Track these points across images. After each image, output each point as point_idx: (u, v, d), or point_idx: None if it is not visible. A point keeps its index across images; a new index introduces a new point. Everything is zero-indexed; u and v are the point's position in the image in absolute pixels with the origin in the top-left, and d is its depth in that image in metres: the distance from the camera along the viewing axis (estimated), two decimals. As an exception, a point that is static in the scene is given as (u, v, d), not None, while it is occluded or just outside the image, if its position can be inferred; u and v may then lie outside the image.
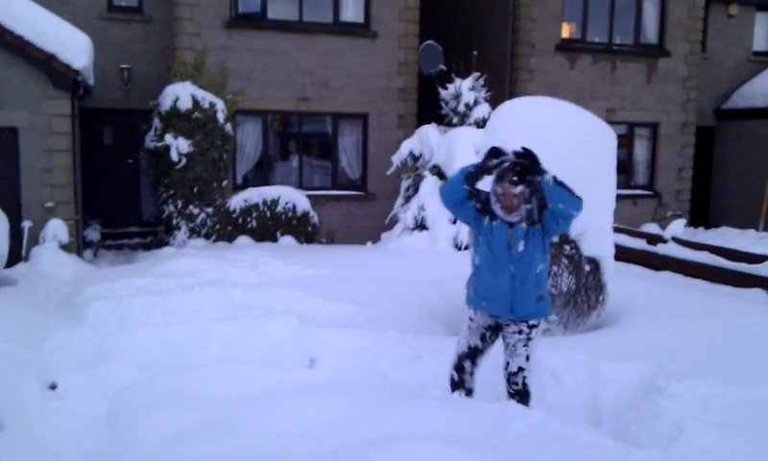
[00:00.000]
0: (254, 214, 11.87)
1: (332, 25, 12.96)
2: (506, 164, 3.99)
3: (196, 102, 11.29)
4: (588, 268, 5.73)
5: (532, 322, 4.08)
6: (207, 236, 11.56)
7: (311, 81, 12.87)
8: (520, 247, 3.98)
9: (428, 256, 9.61)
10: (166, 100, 11.27)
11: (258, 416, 3.71)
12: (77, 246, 10.09)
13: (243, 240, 11.57)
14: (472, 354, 4.22)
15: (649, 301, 6.49)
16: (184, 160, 11.20)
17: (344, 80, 13.05)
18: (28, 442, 4.12)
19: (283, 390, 4.13)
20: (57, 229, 9.44)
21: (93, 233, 11.80)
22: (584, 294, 5.75)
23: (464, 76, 12.01)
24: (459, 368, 4.24)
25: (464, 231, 10.18)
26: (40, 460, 4.00)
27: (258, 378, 4.31)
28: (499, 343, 4.24)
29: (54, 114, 9.79)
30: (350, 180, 13.59)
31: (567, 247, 5.68)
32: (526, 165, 3.90)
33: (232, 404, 3.95)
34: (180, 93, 11.26)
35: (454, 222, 10.76)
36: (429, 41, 12.87)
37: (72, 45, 9.74)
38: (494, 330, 4.20)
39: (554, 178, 3.83)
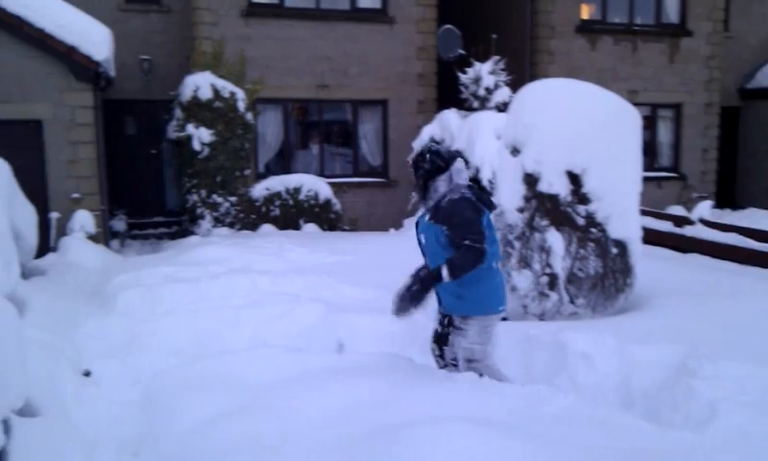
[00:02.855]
0: (277, 202, 11.92)
1: (350, 11, 12.94)
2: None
3: (216, 91, 11.32)
4: (615, 251, 5.69)
5: (454, 317, 4.18)
6: (231, 225, 11.62)
7: (330, 68, 12.87)
8: (422, 240, 4.15)
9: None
10: (186, 90, 11.32)
11: (290, 400, 3.75)
12: (104, 236, 10.22)
13: (267, 228, 11.63)
14: (435, 339, 4.42)
15: (677, 283, 6.43)
16: (207, 150, 11.25)
17: (362, 66, 13.03)
18: (65, 427, 4.19)
19: (313, 374, 4.16)
20: (83, 219, 9.57)
21: (119, 224, 11.92)
22: (611, 277, 5.71)
23: (483, 60, 11.92)
24: (431, 350, 4.48)
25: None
26: (77, 445, 4.07)
27: (288, 363, 4.34)
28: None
29: (77, 106, 9.89)
30: (372, 166, 13.60)
31: (594, 230, 5.64)
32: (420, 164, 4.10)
33: (264, 389, 3.99)
34: (200, 83, 11.30)
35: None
36: (447, 26, 12.79)
37: (93, 37, 9.81)
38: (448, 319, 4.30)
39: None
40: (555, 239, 5.65)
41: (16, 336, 3.93)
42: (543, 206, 5.71)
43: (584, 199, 5.62)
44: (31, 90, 9.63)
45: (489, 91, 11.70)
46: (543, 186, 5.66)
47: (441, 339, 4.36)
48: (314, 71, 12.74)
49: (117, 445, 4.11)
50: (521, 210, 5.79)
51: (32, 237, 7.63)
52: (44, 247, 8.89)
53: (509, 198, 5.87)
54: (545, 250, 5.69)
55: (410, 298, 4.01)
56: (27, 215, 7.41)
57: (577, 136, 5.65)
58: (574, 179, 5.61)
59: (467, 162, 10.82)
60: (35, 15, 9.38)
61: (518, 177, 5.79)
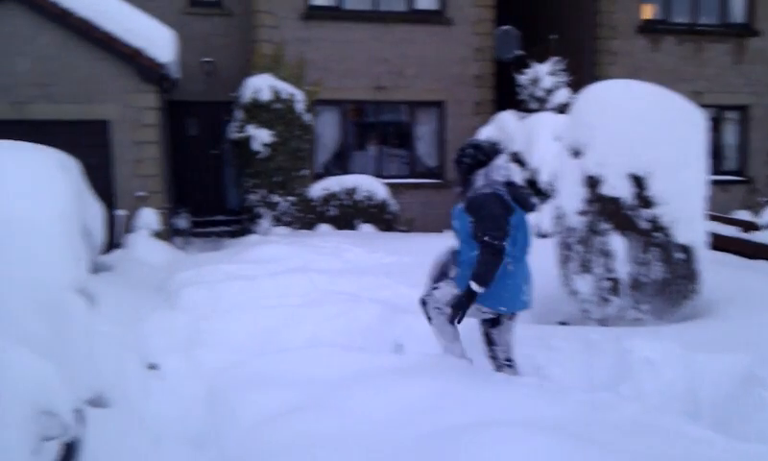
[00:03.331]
0: (334, 203, 12.04)
1: (407, 13, 12.97)
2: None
3: (276, 93, 11.51)
4: (679, 256, 5.55)
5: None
6: (289, 224, 11.80)
7: (387, 70, 12.93)
8: (456, 225, 4.27)
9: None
10: (247, 92, 11.55)
11: (350, 399, 3.78)
12: (167, 234, 10.51)
13: (324, 228, 11.76)
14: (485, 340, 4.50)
15: (745, 290, 6.22)
16: (266, 151, 11.45)
17: (419, 68, 13.04)
18: (133, 420, 4.33)
19: (373, 374, 4.18)
20: (148, 217, 9.86)
21: (182, 222, 12.23)
22: (676, 282, 5.57)
23: (542, 60, 11.79)
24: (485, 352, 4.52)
25: (546, 219, 10.03)
26: (145, 437, 4.20)
27: (347, 362, 4.38)
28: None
29: (142, 107, 10.19)
30: (428, 168, 13.59)
31: (658, 234, 5.51)
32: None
33: (324, 387, 4.03)
34: (261, 85, 11.51)
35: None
36: (505, 26, 12.71)
37: (158, 40, 10.10)
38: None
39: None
40: (617, 243, 5.54)
41: (87, 329, 4.09)
42: (606, 209, 5.61)
43: (648, 202, 5.50)
44: (99, 92, 9.98)
45: (548, 92, 11.57)
46: (606, 189, 5.56)
47: (487, 338, 4.42)
48: (371, 73, 12.82)
49: (182, 437, 4.22)
50: (582, 214, 5.71)
51: (100, 234, 7.87)
52: (111, 243, 9.19)
53: (570, 201, 5.80)
54: (607, 254, 5.59)
55: (452, 315, 4.14)
56: (95, 213, 7.65)
57: (641, 139, 5.54)
58: (638, 182, 5.50)
59: (524, 164, 10.82)
60: (102, 19, 9.71)
61: (580, 179, 5.71)
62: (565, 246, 5.86)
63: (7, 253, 3.87)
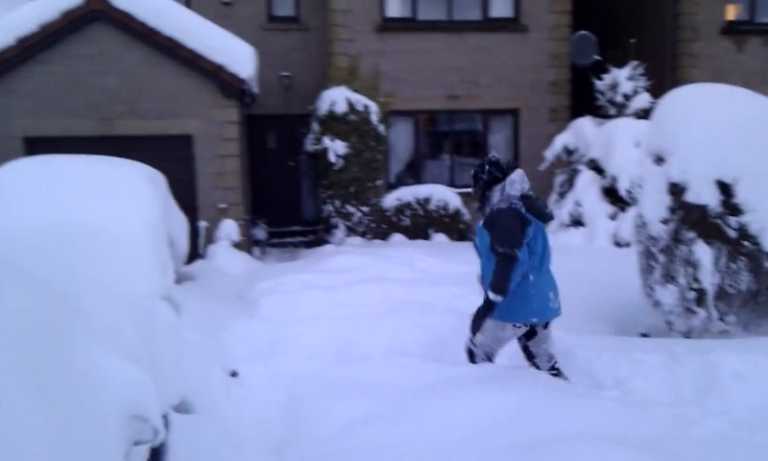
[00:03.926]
0: (407, 212, 12.09)
1: (481, 22, 12.92)
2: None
3: (351, 105, 11.67)
4: (770, 266, 5.30)
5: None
6: (363, 234, 11.92)
7: (460, 79, 12.90)
8: (477, 243, 4.44)
9: (587, 254, 9.30)
10: (323, 104, 11.76)
11: (428, 409, 3.78)
12: (246, 244, 10.79)
13: (397, 238, 11.82)
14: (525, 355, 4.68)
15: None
16: (341, 162, 11.62)
17: (493, 76, 12.96)
18: (216, 425, 4.46)
19: (450, 384, 4.17)
20: (229, 228, 10.17)
21: (260, 232, 12.54)
22: (765, 293, 5.32)
23: (620, 65, 11.51)
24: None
25: (625, 228, 9.77)
26: (227, 443, 4.32)
27: (425, 372, 4.39)
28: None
29: (223, 121, 10.52)
30: (503, 177, 13.44)
31: (747, 243, 5.28)
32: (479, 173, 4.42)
33: (402, 396, 4.05)
34: (336, 97, 11.70)
35: (614, 218, 10.35)
36: (582, 32, 12.48)
37: (238, 56, 10.40)
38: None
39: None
40: (703, 252, 5.34)
41: (175, 337, 4.25)
42: (690, 217, 5.41)
43: (735, 210, 5.28)
44: (183, 107, 10.37)
45: (627, 98, 11.29)
46: (690, 197, 5.37)
47: (526, 352, 4.60)
48: (445, 82, 12.83)
49: (263, 444, 4.32)
50: (665, 222, 5.53)
51: (183, 244, 8.18)
52: (193, 253, 9.52)
53: (652, 209, 5.63)
54: (692, 263, 5.39)
55: (474, 325, 4.42)
56: (180, 224, 7.95)
57: (727, 144, 5.32)
58: (724, 188, 5.28)
59: (602, 171, 10.57)
60: (186, 37, 10.08)
61: (663, 186, 5.53)
62: (648, 255, 5.69)
63: (101, 262, 4.08)
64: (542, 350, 4.49)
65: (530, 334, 4.45)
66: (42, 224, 4.44)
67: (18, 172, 5.34)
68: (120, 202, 4.87)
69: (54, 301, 2.39)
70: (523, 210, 4.20)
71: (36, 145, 9.79)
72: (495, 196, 4.31)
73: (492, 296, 4.10)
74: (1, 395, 1.69)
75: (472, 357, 4.57)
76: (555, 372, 4.49)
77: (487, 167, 4.39)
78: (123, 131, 10.24)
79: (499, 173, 4.35)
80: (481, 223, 4.37)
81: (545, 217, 4.40)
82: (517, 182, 4.32)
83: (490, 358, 4.52)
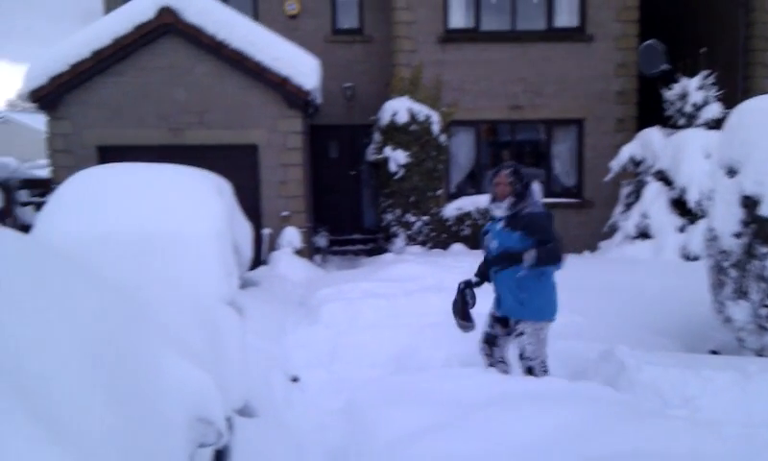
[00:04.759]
0: (468, 222, 12.02)
1: (546, 31, 12.77)
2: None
3: (412, 115, 11.72)
4: None
5: (512, 320, 4.76)
6: (423, 243, 11.92)
7: (523, 89, 12.78)
8: (495, 245, 4.70)
9: (653, 267, 9.05)
10: (385, 114, 11.84)
11: (489, 421, 3.74)
12: (308, 251, 10.94)
13: (457, 247, 11.77)
14: (487, 340, 5.00)
15: None
16: (402, 171, 11.66)
17: (557, 86, 12.78)
18: (277, 430, 4.53)
19: (511, 397, 4.12)
20: (291, 236, 10.33)
21: (321, 240, 12.70)
22: None
23: (690, 75, 11.19)
24: (481, 349, 5.03)
25: (694, 241, 9.47)
26: (288, 448, 4.38)
27: (486, 383, 4.34)
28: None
29: (288, 132, 10.71)
30: (565, 187, 13.25)
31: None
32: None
33: (463, 407, 4.02)
34: (398, 108, 11.77)
35: (682, 230, 10.05)
36: (650, 41, 12.18)
37: (303, 68, 10.58)
38: (501, 321, 4.91)
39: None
40: (778, 268, 5.12)
41: (239, 341, 4.33)
42: (764, 231, 5.20)
43: (814, 225, 5.04)
44: (249, 118, 10.61)
45: (697, 108, 10.95)
46: (765, 210, 5.16)
47: (490, 340, 4.97)
48: (507, 93, 12.73)
49: (322, 450, 4.36)
50: (738, 236, 5.32)
51: (248, 251, 8.35)
52: (257, 260, 9.70)
53: (723, 222, 5.43)
54: (765, 279, 5.18)
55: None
56: (244, 231, 8.13)
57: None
58: (802, 202, 5.06)
59: (670, 183, 10.28)
60: (253, 49, 10.32)
61: (735, 199, 5.34)
62: (718, 270, 5.50)
63: (169, 267, 4.21)
64: (543, 351, 4.78)
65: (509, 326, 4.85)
66: (114, 230, 4.62)
67: (92, 179, 5.57)
68: (189, 209, 5.02)
69: (126, 304, 2.48)
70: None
71: (109, 153, 10.18)
72: (528, 199, 4.63)
73: (530, 256, 4.44)
74: (76, 393, 1.76)
75: (532, 373, 4.73)
76: (501, 360, 4.98)
77: (522, 171, 4.73)
78: (191, 140, 10.54)
79: (524, 178, 4.72)
80: (499, 225, 4.69)
81: None
82: (538, 192, 4.78)
83: (545, 365, 4.78)
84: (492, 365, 4.97)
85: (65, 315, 1.93)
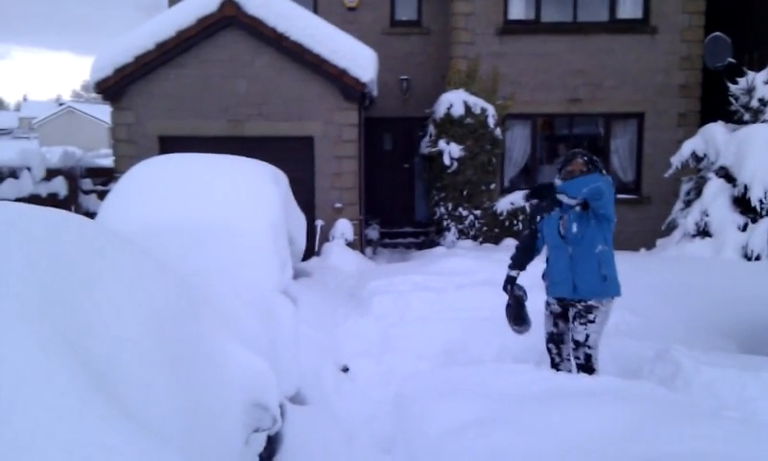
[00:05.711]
0: (520, 217, 11.91)
1: (608, 23, 12.53)
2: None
3: (468, 108, 11.66)
4: None
5: (591, 302, 4.55)
6: (475, 238, 11.88)
7: (583, 82, 12.57)
8: (574, 229, 4.58)
9: (713, 266, 8.80)
10: (440, 107, 11.81)
11: (538, 417, 3.73)
12: (360, 243, 11.04)
13: (509, 242, 11.66)
14: (554, 340, 4.85)
15: None
16: (456, 165, 11.63)
17: (618, 79, 12.53)
18: (327, 418, 4.62)
19: (559, 393, 4.10)
20: (344, 227, 10.44)
21: (373, 232, 12.79)
22: None
23: (757, 69, 10.80)
24: (548, 350, 4.90)
25: (757, 240, 9.17)
26: (338, 436, 4.46)
27: (537, 379, 4.33)
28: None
29: (343, 124, 10.81)
30: (622, 182, 12.98)
31: None
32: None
33: (511, 403, 4.02)
34: (454, 100, 11.72)
35: (744, 229, 9.75)
36: (716, 33, 11.79)
37: (360, 60, 10.64)
38: (563, 316, 4.78)
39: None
40: None
41: (293, 330, 4.43)
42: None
43: None
44: (306, 110, 10.75)
45: (763, 103, 10.56)
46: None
47: (557, 339, 4.84)
48: (566, 85, 12.55)
49: (371, 440, 4.43)
50: (804, 237, 5.16)
51: (301, 242, 8.48)
52: (310, 250, 9.84)
53: (788, 222, 5.27)
54: (833, 283, 5.00)
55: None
56: (298, 222, 8.25)
57: None
58: None
59: (733, 180, 9.97)
60: (312, 42, 10.44)
61: (801, 199, 5.17)
62: (782, 272, 5.34)
63: (227, 256, 4.33)
64: (579, 330, 4.67)
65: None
66: (174, 219, 4.77)
67: (154, 169, 5.75)
68: (246, 199, 5.14)
69: (189, 291, 2.58)
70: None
71: (170, 143, 10.48)
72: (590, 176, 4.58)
73: (585, 191, 4.36)
74: (142, 375, 1.85)
75: (590, 362, 4.62)
76: (570, 358, 4.82)
77: (583, 152, 4.82)
78: (250, 132, 10.74)
79: (593, 158, 4.78)
80: (577, 209, 4.57)
81: None
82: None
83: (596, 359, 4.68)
84: (560, 363, 4.86)
85: (132, 299, 2.02)
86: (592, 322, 4.57)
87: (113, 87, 10.62)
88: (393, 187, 14.27)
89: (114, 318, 1.86)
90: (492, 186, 12.08)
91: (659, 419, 3.58)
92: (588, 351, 4.60)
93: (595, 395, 4.06)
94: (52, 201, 11.87)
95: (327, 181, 10.84)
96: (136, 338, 1.90)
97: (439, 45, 13.55)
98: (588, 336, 4.59)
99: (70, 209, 11.87)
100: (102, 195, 12.38)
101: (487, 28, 12.40)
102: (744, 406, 4.07)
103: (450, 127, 11.65)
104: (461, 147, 11.62)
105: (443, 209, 11.94)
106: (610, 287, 4.56)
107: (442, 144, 11.66)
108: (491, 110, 11.77)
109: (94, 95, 11.86)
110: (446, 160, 11.62)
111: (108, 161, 14.71)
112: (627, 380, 4.35)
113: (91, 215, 8.72)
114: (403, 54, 13.72)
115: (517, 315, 4.80)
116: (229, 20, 10.42)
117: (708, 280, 7.67)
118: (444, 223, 11.93)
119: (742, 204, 9.95)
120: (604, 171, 4.74)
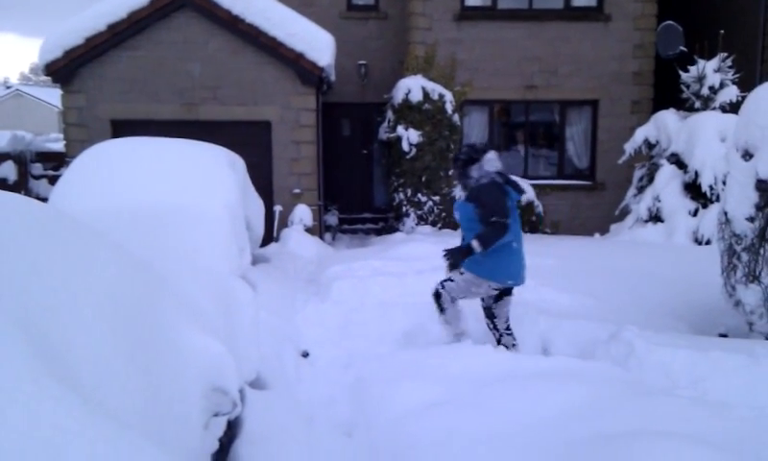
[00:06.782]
0: (479, 203, 11.99)
1: (563, 10, 12.68)
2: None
3: (426, 94, 11.67)
4: None
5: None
6: (434, 223, 11.93)
7: (539, 68, 12.71)
8: (457, 216, 5.10)
9: (664, 251, 9.04)
10: (399, 93, 11.80)
11: (498, 398, 3.79)
12: (319, 229, 10.99)
13: (468, 228, 11.76)
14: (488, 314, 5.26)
15: None
16: (414, 151, 11.65)
17: (573, 66, 12.70)
18: (288, 402, 4.59)
19: (519, 375, 4.17)
20: (303, 213, 10.37)
21: (332, 218, 12.74)
22: None
23: (708, 57, 11.06)
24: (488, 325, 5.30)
25: (706, 225, 9.43)
26: (298, 420, 4.44)
27: (495, 361, 4.39)
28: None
29: (301, 108, 10.71)
30: (577, 169, 13.21)
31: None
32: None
33: (471, 384, 4.07)
34: (412, 86, 11.72)
35: (695, 214, 10.01)
36: (668, 22, 12.03)
37: (318, 44, 10.53)
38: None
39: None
40: (791, 253, 5.11)
41: (253, 314, 4.39)
42: (778, 215, 5.19)
43: (828, 210, 5.03)
44: (262, 94, 10.61)
45: (713, 90, 10.84)
46: (779, 194, 5.14)
47: (489, 313, 5.22)
48: (522, 72, 12.66)
49: (332, 423, 4.42)
50: (751, 219, 5.31)
51: (260, 228, 8.41)
52: (268, 236, 9.76)
53: (737, 205, 5.42)
54: (778, 264, 5.17)
55: (449, 264, 4.97)
56: (256, 207, 8.17)
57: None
58: (817, 187, 5.04)
59: (684, 166, 10.22)
60: (268, 24, 10.28)
61: (750, 183, 5.31)
62: (730, 253, 5.49)
63: (184, 240, 4.26)
64: (504, 312, 5.17)
65: (498, 297, 5.12)
66: (128, 203, 4.67)
67: (106, 153, 5.62)
68: (202, 183, 5.07)
69: (145, 275, 2.53)
70: (502, 183, 4.88)
71: (123, 127, 10.24)
72: (474, 173, 4.90)
73: (474, 244, 4.68)
74: (98, 358, 1.81)
75: (439, 299, 5.10)
76: (509, 331, 5.21)
77: (464, 149, 5.09)
78: (205, 115, 10.57)
79: (475, 153, 4.95)
80: (462, 198, 5.09)
81: (520, 190, 5.06)
82: (494, 160, 4.93)
83: (453, 302, 5.11)
84: (500, 338, 5.17)
85: (87, 282, 1.97)
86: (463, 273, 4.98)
87: (63, 70, 10.31)
88: (351, 173, 14.22)
89: (69, 301, 1.81)
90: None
91: (613, 398, 3.67)
92: (439, 289, 5.07)
93: (552, 376, 4.14)
94: (1, 186, 11.50)
95: (286, 167, 10.74)
96: (92, 321, 1.85)
97: (397, 30, 13.51)
98: (453, 278, 5.02)
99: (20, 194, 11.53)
100: (53, 180, 12.04)
101: (444, 14, 12.42)
102: (695, 385, 4.18)
103: (409, 113, 11.65)
104: (419, 133, 11.63)
105: (401, 195, 11.96)
106: (480, 269, 4.92)
107: (400, 130, 11.66)
108: (448, 96, 11.80)
109: (43, 78, 11.51)
110: (405, 146, 11.63)
111: (58, 146, 14.31)
112: (582, 361, 4.44)
113: (42, 200, 8.48)
114: (361, 38, 13.65)
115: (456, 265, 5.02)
116: (183, 1, 10.21)
117: (661, 264, 7.87)
118: (404, 208, 11.95)
119: (693, 189, 10.22)
120: (487, 157, 4.93)
